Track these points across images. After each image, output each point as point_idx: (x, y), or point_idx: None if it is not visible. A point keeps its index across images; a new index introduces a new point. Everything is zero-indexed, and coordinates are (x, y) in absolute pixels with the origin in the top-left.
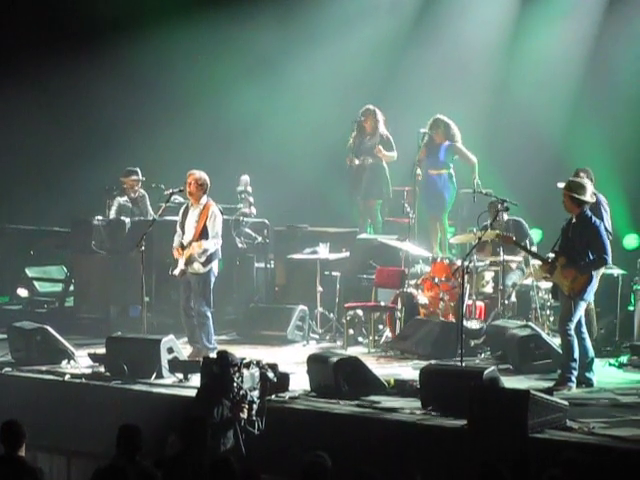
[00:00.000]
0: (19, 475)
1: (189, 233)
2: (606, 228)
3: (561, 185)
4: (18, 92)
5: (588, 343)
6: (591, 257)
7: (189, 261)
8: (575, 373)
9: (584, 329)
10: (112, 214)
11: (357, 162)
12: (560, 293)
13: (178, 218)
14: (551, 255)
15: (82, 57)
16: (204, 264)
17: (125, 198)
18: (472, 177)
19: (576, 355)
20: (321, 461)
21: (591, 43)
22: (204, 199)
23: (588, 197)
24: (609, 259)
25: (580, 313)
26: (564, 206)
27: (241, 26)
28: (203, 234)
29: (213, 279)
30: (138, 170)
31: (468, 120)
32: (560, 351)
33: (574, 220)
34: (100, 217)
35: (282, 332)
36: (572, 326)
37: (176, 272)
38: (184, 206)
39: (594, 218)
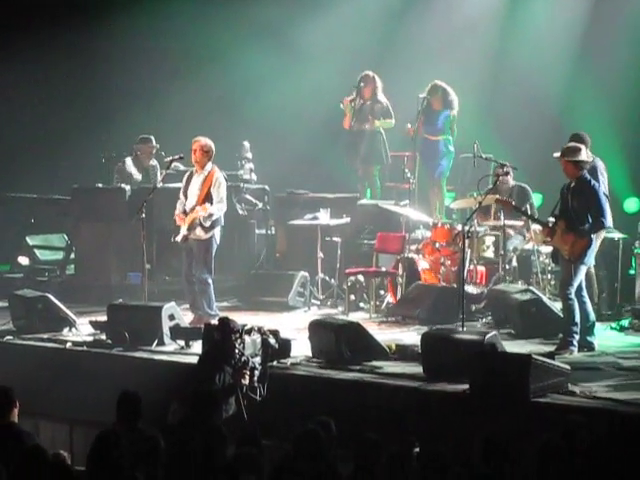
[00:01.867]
0: (7, 441)
1: (192, 199)
2: (605, 193)
3: (557, 154)
4: (18, 62)
5: (589, 307)
6: (590, 220)
7: (192, 226)
8: (576, 337)
9: (584, 293)
10: (128, 168)
11: (353, 125)
12: (560, 257)
13: (182, 184)
14: (551, 219)
15: (82, 26)
16: (207, 230)
17: (130, 163)
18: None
19: (577, 319)
20: (315, 430)
21: (590, 6)
22: (209, 166)
23: (584, 156)
24: (608, 222)
25: (581, 277)
26: (565, 174)
27: None
28: (207, 200)
29: (215, 246)
30: (152, 137)
31: (467, 86)
32: (561, 315)
33: (573, 184)
34: (100, 184)
35: (283, 298)
36: (573, 290)
37: (178, 238)
38: (188, 173)
39: (592, 181)
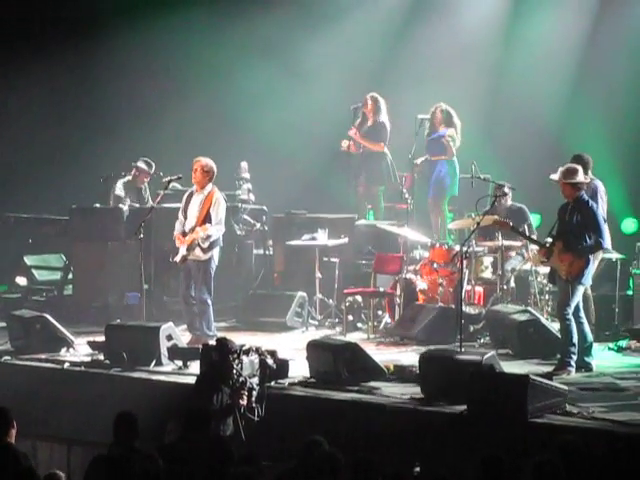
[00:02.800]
0: (4, 462)
1: (192, 219)
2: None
3: (554, 177)
4: (17, 81)
5: (586, 327)
6: (588, 241)
7: (191, 247)
8: (574, 358)
9: (582, 314)
10: (119, 189)
11: (346, 147)
12: (558, 278)
13: (181, 204)
14: (548, 240)
15: (81, 44)
16: (205, 251)
17: (121, 185)
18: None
19: (575, 339)
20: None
21: (589, 27)
22: (209, 186)
23: (582, 177)
24: (605, 243)
25: (578, 297)
26: (564, 195)
27: (241, 12)
28: (206, 221)
29: (214, 267)
30: (153, 164)
31: (466, 105)
32: (559, 336)
33: (571, 204)
34: (98, 205)
35: (281, 319)
36: (570, 310)
37: (177, 259)
38: (188, 192)
39: (591, 202)
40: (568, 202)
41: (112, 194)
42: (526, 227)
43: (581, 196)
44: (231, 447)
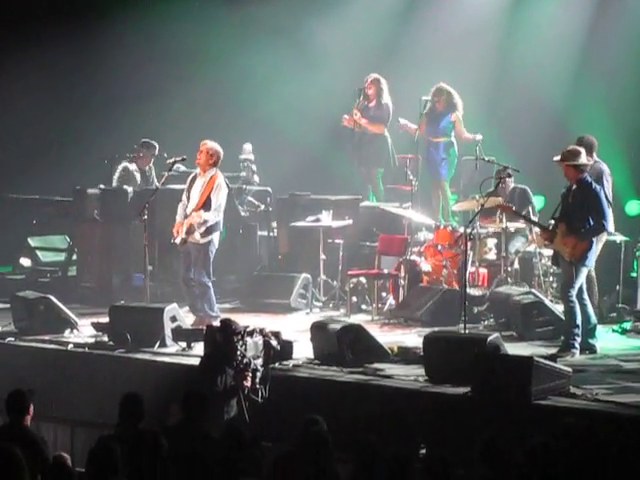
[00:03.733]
0: (22, 445)
1: (193, 202)
2: (607, 197)
3: (557, 158)
4: (20, 64)
5: (590, 309)
6: (591, 223)
7: (190, 230)
8: (578, 339)
9: (585, 295)
10: (114, 181)
11: (347, 123)
12: (561, 260)
13: (185, 186)
14: (551, 222)
15: (84, 27)
16: (203, 235)
17: (134, 166)
18: (475, 144)
19: (579, 321)
20: (322, 431)
21: (593, 10)
22: (212, 170)
23: (584, 159)
24: (608, 225)
25: (582, 279)
26: (566, 177)
27: None
28: (206, 204)
29: (214, 250)
30: (156, 145)
31: (470, 89)
32: (563, 318)
33: (574, 186)
34: (102, 186)
35: (285, 300)
36: (574, 292)
37: (177, 241)
38: (192, 174)
39: (594, 184)
40: (571, 184)
41: (122, 176)
42: (530, 209)
43: (584, 178)
44: (244, 433)
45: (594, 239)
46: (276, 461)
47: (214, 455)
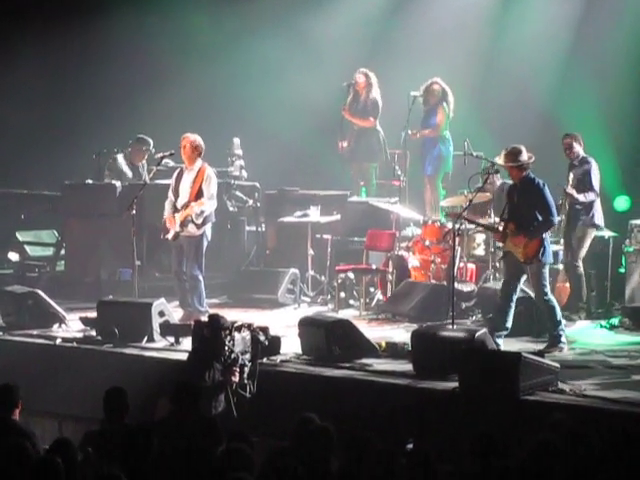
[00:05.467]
0: (12, 439)
1: (184, 196)
2: (594, 188)
3: (499, 160)
4: (9, 58)
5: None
6: (540, 219)
7: (184, 223)
8: (563, 334)
9: (515, 297)
10: (124, 167)
11: (345, 145)
12: (514, 260)
13: (171, 182)
14: (495, 222)
15: (73, 23)
16: (199, 226)
17: (128, 161)
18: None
19: (559, 317)
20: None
21: (583, 5)
22: (199, 162)
23: (525, 157)
24: (556, 220)
25: (547, 276)
26: (511, 178)
27: None
28: (199, 196)
29: (206, 243)
30: (150, 141)
31: (458, 84)
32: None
33: (518, 185)
34: (90, 180)
35: (273, 295)
36: (547, 290)
37: (169, 236)
38: (177, 170)
39: (537, 179)
40: (515, 183)
41: (112, 170)
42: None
43: (528, 175)
44: (219, 427)
45: (545, 235)
46: (271, 457)
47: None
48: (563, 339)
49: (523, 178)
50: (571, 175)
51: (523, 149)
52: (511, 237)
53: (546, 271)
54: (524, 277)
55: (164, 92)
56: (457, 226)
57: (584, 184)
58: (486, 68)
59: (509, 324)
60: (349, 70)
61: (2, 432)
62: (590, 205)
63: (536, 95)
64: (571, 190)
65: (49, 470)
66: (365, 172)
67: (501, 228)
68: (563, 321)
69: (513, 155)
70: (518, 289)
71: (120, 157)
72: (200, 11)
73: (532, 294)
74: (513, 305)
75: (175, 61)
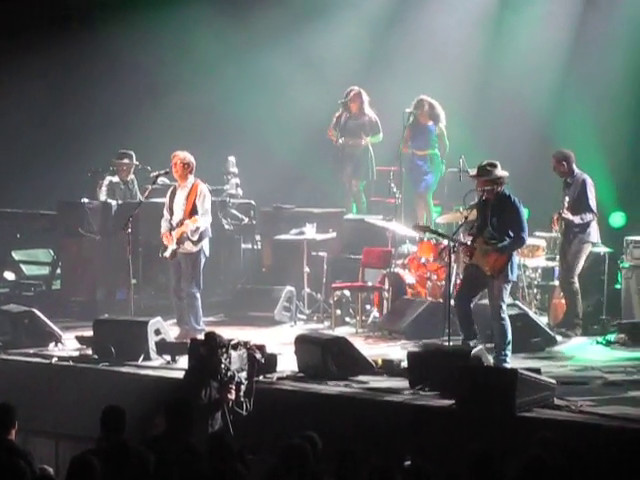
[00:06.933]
0: (9, 459)
1: (178, 213)
2: (591, 208)
3: (473, 173)
4: (4, 76)
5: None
6: (512, 236)
7: (181, 240)
8: (509, 355)
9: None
10: (102, 194)
11: (340, 141)
12: (482, 275)
13: (165, 201)
14: (463, 238)
15: (64, 40)
16: (196, 243)
17: (117, 178)
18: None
19: (509, 338)
20: (302, 444)
21: (577, 20)
22: (191, 179)
23: (500, 172)
24: (527, 238)
25: (507, 294)
26: (486, 194)
27: (230, 7)
28: (193, 213)
29: (203, 259)
30: (132, 153)
31: (453, 100)
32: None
33: (493, 200)
34: (86, 199)
35: (269, 313)
36: (505, 309)
37: (167, 254)
38: (171, 188)
39: (512, 196)
40: (486, 198)
41: (108, 189)
42: None
43: (503, 191)
44: (197, 448)
45: (514, 253)
46: (267, 475)
47: (199, 468)
48: (508, 359)
49: (498, 193)
50: (566, 198)
51: (498, 164)
52: (480, 252)
53: (508, 289)
54: (481, 292)
55: (160, 110)
56: (452, 243)
57: (580, 204)
58: (482, 85)
59: (475, 329)
60: (344, 87)
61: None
62: (587, 222)
63: (532, 112)
64: (567, 214)
65: None
66: (355, 190)
67: (469, 241)
68: (510, 346)
69: (487, 171)
70: (474, 300)
71: (108, 179)
72: (193, 29)
73: (528, 310)
74: (470, 312)
75: (171, 79)
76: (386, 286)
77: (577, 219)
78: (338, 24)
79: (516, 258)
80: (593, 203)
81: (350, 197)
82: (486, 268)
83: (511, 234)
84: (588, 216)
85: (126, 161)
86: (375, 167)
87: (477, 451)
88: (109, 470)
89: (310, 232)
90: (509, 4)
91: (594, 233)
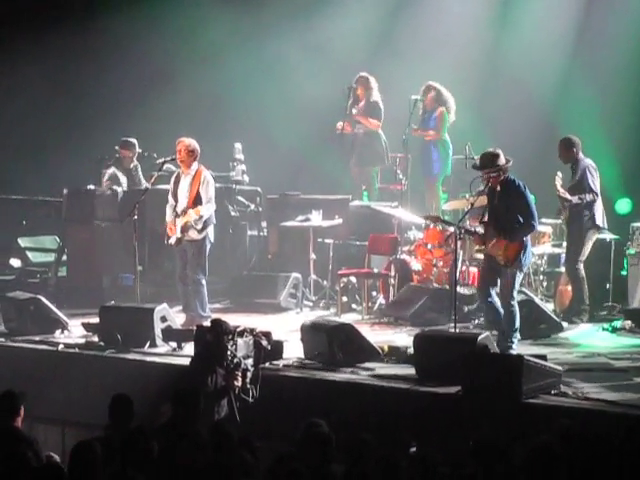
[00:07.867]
0: (14, 446)
1: (183, 201)
2: (593, 190)
3: (476, 164)
4: (9, 63)
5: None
6: (520, 224)
7: (185, 228)
8: (516, 342)
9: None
10: (105, 186)
11: (341, 128)
12: (496, 264)
13: (170, 187)
14: (479, 229)
15: (70, 28)
16: (200, 231)
17: (113, 170)
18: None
19: (517, 324)
20: (325, 430)
21: (584, 7)
22: (195, 165)
23: (503, 160)
24: (537, 223)
25: (519, 283)
26: (491, 184)
27: None
28: (197, 200)
29: (209, 246)
30: (135, 142)
31: (459, 88)
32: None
33: (499, 188)
34: (92, 186)
35: (275, 300)
36: (515, 296)
37: (172, 241)
38: (175, 174)
39: (518, 181)
40: (496, 186)
41: (110, 178)
42: None
43: (509, 178)
44: (232, 435)
45: (526, 239)
46: (277, 461)
47: (202, 457)
48: (515, 346)
49: (503, 180)
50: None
51: (500, 153)
52: (491, 241)
53: (521, 277)
54: (499, 282)
55: (166, 96)
56: (458, 230)
57: (580, 185)
58: (488, 72)
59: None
60: (352, 74)
61: (4, 439)
62: (590, 206)
63: (538, 98)
64: (565, 194)
65: (51, 477)
66: (367, 176)
67: (480, 230)
68: (518, 334)
69: (489, 162)
70: (494, 292)
71: (111, 170)
72: (198, 16)
73: (534, 297)
74: (497, 303)
75: (177, 65)
76: (392, 273)
77: (575, 199)
78: (345, 10)
79: (528, 246)
80: (595, 185)
81: (360, 184)
82: (500, 258)
83: (521, 220)
84: (587, 196)
85: (129, 149)
86: (389, 152)
87: (482, 438)
88: (114, 458)
89: (316, 219)
90: None
91: (599, 216)
